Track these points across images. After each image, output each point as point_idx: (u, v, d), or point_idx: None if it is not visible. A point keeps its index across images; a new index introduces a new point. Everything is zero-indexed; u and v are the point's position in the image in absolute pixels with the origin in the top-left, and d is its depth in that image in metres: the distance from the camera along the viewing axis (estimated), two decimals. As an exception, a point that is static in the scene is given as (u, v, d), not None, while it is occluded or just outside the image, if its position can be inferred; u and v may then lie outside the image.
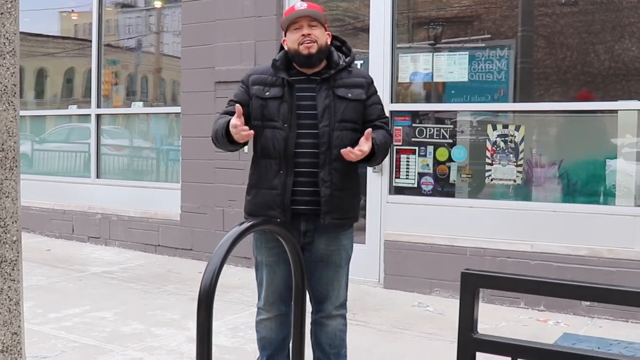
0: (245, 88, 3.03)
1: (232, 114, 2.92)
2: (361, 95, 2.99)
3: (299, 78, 2.97)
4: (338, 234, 3.01)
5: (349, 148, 2.81)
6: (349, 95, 2.96)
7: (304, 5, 2.96)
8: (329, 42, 3.01)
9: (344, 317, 3.12)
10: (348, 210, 3.00)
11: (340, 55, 3.06)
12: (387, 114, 5.39)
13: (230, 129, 2.79)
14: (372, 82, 3.09)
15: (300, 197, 2.92)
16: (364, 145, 2.82)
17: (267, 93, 2.95)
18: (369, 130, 2.87)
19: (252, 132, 2.82)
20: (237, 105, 2.83)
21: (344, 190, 2.95)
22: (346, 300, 3.13)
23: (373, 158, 2.94)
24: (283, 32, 3.04)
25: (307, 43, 2.90)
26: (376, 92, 3.09)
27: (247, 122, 2.90)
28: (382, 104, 3.13)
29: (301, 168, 2.92)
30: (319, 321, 3.09)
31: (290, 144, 2.91)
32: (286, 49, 3.00)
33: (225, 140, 2.89)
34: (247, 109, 2.96)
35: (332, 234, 3.00)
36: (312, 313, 3.10)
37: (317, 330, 3.10)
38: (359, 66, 5.71)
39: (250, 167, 3.08)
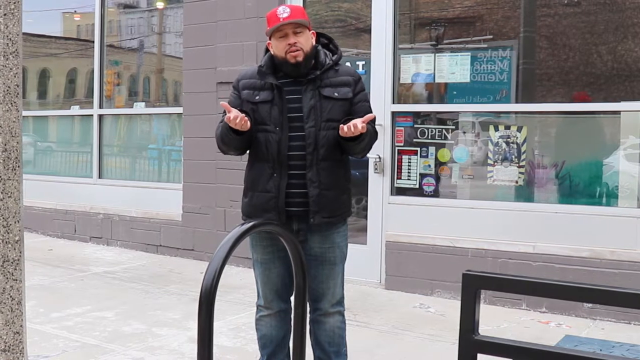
0: (237, 94, 3.06)
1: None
2: (348, 94, 3.00)
3: (286, 81, 2.98)
4: (331, 232, 3.04)
5: (347, 125, 2.80)
6: (335, 94, 2.97)
7: (287, 11, 2.93)
8: (314, 44, 3.02)
9: (341, 314, 3.15)
10: (337, 208, 3.02)
11: (327, 53, 3.07)
12: (389, 114, 5.49)
13: (229, 122, 2.83)
14: (360, 79, 3.09)
15: (293, 199, 2.95)
16: (359, 124, 2.79)
17: (257, 97, 2.98)
18: (370, 115, 2.88)
19: (244, 116, 2.83)
20: (223, 103, 2.89)
21: (332, 189, 2.98)
22: (343, 297, 3.15)
23: (360, 139, 2.90)
24: (268, 37, 3.04)
25: (294, 52, 2.91)
26: (364, 89, 3.09)
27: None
28: (369, 102, 3.12)
29: (293, 170, 2.95)
30: (317, 319, 3.11)
31: (282, 147, 2.93)
32: (272, 53, 3.02)
33: (231, 134, 2.90)
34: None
35: (325, 233, 3.03)
36: (309, 312, 3.11)
37: (316, 328, 3.12)
38: (360, 67, 5.74)
39: (245, 170, 3.12)
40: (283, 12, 2.92)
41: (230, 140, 2.96)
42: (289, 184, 2.94)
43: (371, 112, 3.06)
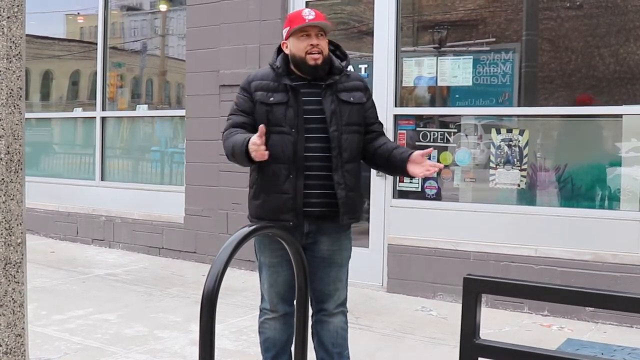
0: (248, 95, 3.03)
1: (242, 125, 2.99)
2: (362, 99, 3.09)
3: (301, 83, 3.01)
4: (339, 234, 3.09)
5: (422, 172, 2.97)
6: (351, 99, 3.05)
7: (312, 14, 2.98)
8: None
9: (344, 314, 3.17)
10: (358, 210, 3.12)
11: (337, 60, 3.11)
12: (391, 117, 5.50)
13: (250, 145, 2.78)
14: (367, 85, 3.21)
15: (311, 200, 2.98)
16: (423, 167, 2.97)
17: (272, 99, 2.98)
18: (416, 153, 2.98)
19: (267, 153, 2.81)
20: (262, 126, 2.80)
21: (355, 190, 3.07)
22: (346, 299, 3.18)
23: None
24: (284, 35, 3.05)
25: (315, 54, 2.95)
26: (371, 94, 3.21)
27: (255, 129, 2.95)
28: (375, 106, 3.24)
29: (311, 171, 2.97)
30: (321, 320, 3.12)
31: (299, 149, 2.95)
32: (287, 52, 3.03)
33: (244, 157, 2.86)
34: (252, 117, 3.00)
35: (334, 235, 3.07)
36: (312, 314, 3.13)
37: (319, 329, 3.13)
38: (363, 70, 5.75)
39: (255, 172, 3.08)
40: (309, 14, 2.98)
41: (239, 158, 2.92)
42: (307, 186, 2.97)
43: (378, 117, 3.22)
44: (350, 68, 5.47)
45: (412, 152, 2.99)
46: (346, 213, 3.01)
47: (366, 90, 3.15)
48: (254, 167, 3.07)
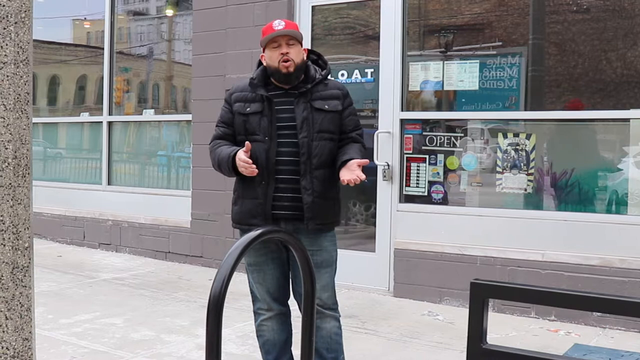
0: (229, 107, 3.19)
1: (224, 137, 3.17)
2: (337, 107, 3.15)
3: (277, 92, 3.12)
4: (318, 235, 3.14)
5: (351, 178, 2.93)
6: (326, 106, 3.12)
7: (282, 24, 3.11)
8: (305, 58, 3.16)
9: (336, 319, 3.20)
10: (329, 216, 3.15)
11: (317, 68, 3.21)
12: (398, 122, 5.49)
13: (240, 162, 2.96)
14: (348, 93, 3.24)
15: (282, 203, 3.07)
16: (354, 174, 2.95)
17: (248, 109, 3.11)
18: (351, 162, 2.99)
19: (255, 169, 2.97)
20: (247, 142, 2.98)
21: (324, 197, 3.11)
22: (335, 303, 3.21)
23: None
24: (261, 49, 3.16)
25: (286, 62, 3.05)
26: (352, 103, 3.24)
27: (235, 138, 3.15)
28: (357, 115, 3.29)
29: (283, 175, 3.07)
30: None
31: (271, 156, 3.06)
32: (265, 64, 3.15)
33: (231, 171, 3.06)
34: (232, 128, 3.16)
35: (312, 236, 3.12)
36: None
37: None
38: (369, 75, 5.75)
39: (236, 179, 3.21)
40: (278, 24, 3.11)
41: (227, 171, 3.11)
42: (278, 190, 3.06)
43: (359, 125, 3.26)
44: (357, 70, 5.49)
45: (352, 160, 3.01)
46: (312, 219, 3.05)
47: (345, 98, 3.18)
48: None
